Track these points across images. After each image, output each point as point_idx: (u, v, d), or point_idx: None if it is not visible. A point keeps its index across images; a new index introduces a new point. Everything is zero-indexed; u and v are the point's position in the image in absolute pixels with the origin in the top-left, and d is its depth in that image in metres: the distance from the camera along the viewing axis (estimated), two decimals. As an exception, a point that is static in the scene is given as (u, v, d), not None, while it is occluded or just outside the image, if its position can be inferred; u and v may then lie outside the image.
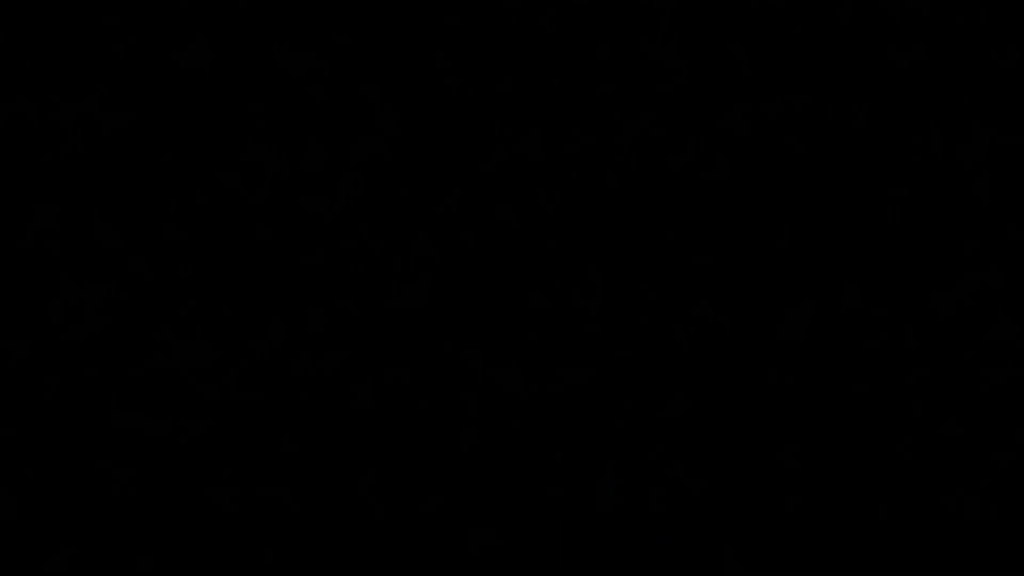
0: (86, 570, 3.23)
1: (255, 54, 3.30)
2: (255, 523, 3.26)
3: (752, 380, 3.28)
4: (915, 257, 3.27)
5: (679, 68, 3.31)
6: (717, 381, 3.28)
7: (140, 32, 3.29)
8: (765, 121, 3.30)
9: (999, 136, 3.27)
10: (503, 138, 3.32)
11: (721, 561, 3.26)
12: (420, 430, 3.29)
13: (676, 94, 3.31)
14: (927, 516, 3.23)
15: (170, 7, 3.29)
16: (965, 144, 3.28)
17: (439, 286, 3.30)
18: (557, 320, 3.30)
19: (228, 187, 3.29)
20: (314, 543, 3.26)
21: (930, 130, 3.28)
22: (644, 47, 3.31)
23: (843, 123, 3.29)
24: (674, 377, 3.28)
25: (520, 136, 3.31)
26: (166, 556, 3.25)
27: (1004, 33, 3.27)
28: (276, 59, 3.30)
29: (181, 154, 3.29)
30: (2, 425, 3.24)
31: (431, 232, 3.31)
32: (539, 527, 3.29)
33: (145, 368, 3.26)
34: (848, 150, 3.29)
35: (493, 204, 3.31)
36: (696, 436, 3.28)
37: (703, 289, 3.29)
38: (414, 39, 3.32)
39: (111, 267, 3.27)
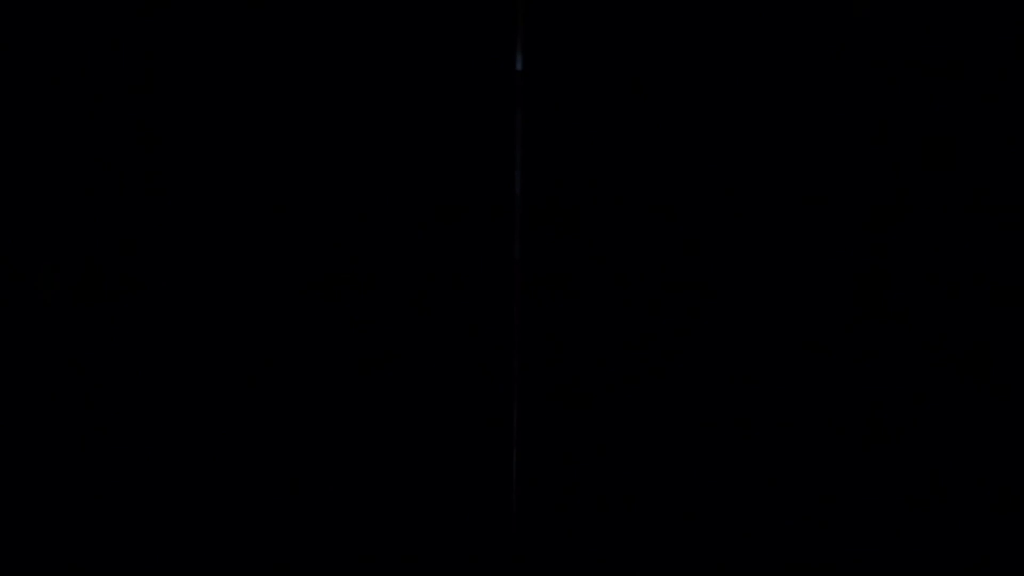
0: (85, 569, 3.24)
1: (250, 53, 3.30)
2: (246, 522, 3.27)
3: (753, 380, 3.28)
4: (914, 256, 3.27)
5: (680, 67, 3.31)
6: (718, 381, 3.28)
7: (139, 32, 3.29)
8: (765, 121, 3.30)
9: (1000, 136, 3.27)
10: (502, 138, 3.32)
11: (721, 561, 3.26)
12: (418, 427, 3.30)
13: (677, 93, 3.31)
14: (925, 516, 3.23)
15: (169, 7, 3.29)
16: (965, 144, 3.28)
17: (441, 286, 3.31)
18: (556, 319, 3.30)
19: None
20: (303, 541, 3.27)
21: (931, 129, 3.28)
22: (644, 46, 3.31)
23: (843, 122, 3.29)
24: (674, 377, 3.28)
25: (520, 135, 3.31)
26: (163, 555, 3.25)
27: (1005, 33, 3.27)
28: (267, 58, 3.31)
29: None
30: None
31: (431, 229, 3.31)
32: (539, 525, 3.29)
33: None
34: (848, 149, 3.29)
35: (491, 203, 3.31)
36: (697, 435, 3.28)
37: (704, 289, 3.29)
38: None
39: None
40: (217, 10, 3.28)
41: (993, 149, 3.26)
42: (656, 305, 3.29)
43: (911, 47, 3.27)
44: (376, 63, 3.30)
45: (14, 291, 3.25)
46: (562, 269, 3.30)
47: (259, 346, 3.28)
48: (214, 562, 3.26)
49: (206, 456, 3.27)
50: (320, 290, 3.29)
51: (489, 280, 3.30)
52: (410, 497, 3.29)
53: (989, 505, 3.23)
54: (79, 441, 3.25)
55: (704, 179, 3.29)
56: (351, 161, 3.30)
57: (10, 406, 3.24)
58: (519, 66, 3.31)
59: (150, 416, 3.26)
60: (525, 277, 3.30)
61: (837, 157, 3.28)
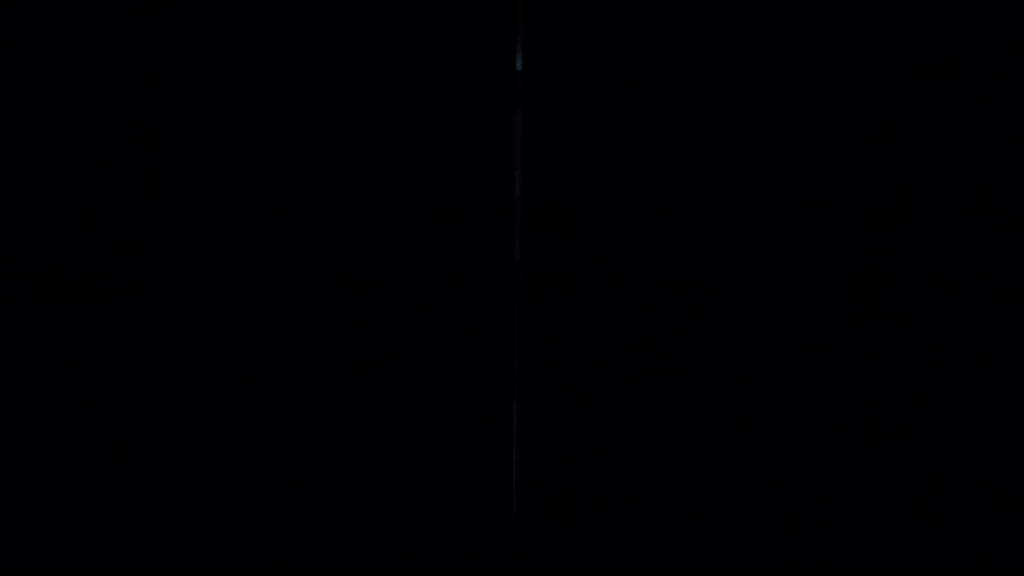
0: (85, 569, 3.24)
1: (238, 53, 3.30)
2: (237, 523, 3.27)
3: (752, 380, 3.28)
4: (914, 256, 3.27)
5: (679, 67, 3.31)
6: (717, 381, 3.28)
7: (139, 32, 3.29)
8: (765, 121, 3.29)
9: (999, 136, 3.27)
10: (502, 138, 3.32)
11: (721, 561, 3.26)
12: (412, 426, 3.30)
13: (677, 93, 3.31)
14: (925, 516, 3.23)
15: (169, 7, 3.29)
16: (965, 144, 3.27)
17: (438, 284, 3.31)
18: (556, 319, 3.30)
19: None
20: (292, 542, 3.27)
21: (931, 129, 3.28)
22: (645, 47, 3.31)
23: (843, 122, 3.29)
24: (674, 377, 3.28)
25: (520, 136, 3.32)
26: (164, 554, 3.25)
27: (1005, 33, 3.27)
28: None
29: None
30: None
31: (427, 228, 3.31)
32: (539, 525, 3.29)
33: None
34: (848, 149, 3.29)
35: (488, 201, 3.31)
36: (697, 435, 3.28)
37: (704, 289, 3.29)
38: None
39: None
40: (217, 10, 3.28)
41: (993, 149, 3.26)
42: (656, 305, 3.29)
43: (911, 47, 3.27)
44: (376, 63, 3.30)
45: (14, 291, 3.25)
46: (562, 269, 3.30)
47: (259, 346, 3.28)
48: (214, 562, 3.26)
49: (206, 456, 3.27)
50: (320, 290, 3.29)
51: (489, 280, 3.30)
52: (410, 497, 3.29)
53: (989, 505, 3.23)
54: (79, 441, 3.25)
55: (704, 179, 3.29)
56: (351, 161, 3.30)
57: (10, 406, 3.24)
58: (519, 66, 3.31)
59: (150, 416, 3.27)
60: (525, 277, 3.30)
61: (837, 157, 3.28)
